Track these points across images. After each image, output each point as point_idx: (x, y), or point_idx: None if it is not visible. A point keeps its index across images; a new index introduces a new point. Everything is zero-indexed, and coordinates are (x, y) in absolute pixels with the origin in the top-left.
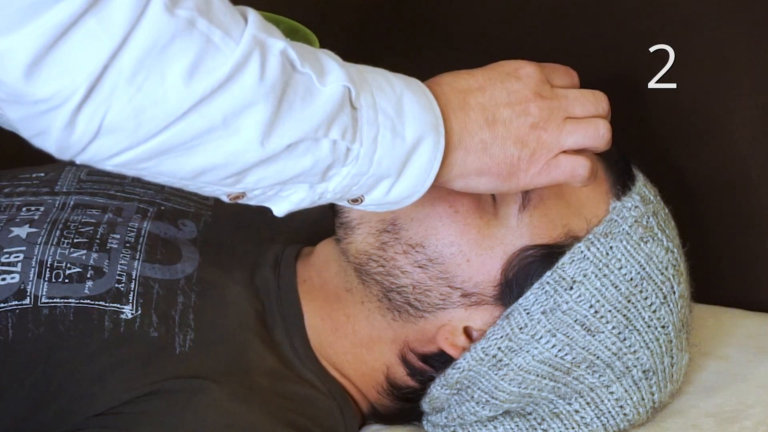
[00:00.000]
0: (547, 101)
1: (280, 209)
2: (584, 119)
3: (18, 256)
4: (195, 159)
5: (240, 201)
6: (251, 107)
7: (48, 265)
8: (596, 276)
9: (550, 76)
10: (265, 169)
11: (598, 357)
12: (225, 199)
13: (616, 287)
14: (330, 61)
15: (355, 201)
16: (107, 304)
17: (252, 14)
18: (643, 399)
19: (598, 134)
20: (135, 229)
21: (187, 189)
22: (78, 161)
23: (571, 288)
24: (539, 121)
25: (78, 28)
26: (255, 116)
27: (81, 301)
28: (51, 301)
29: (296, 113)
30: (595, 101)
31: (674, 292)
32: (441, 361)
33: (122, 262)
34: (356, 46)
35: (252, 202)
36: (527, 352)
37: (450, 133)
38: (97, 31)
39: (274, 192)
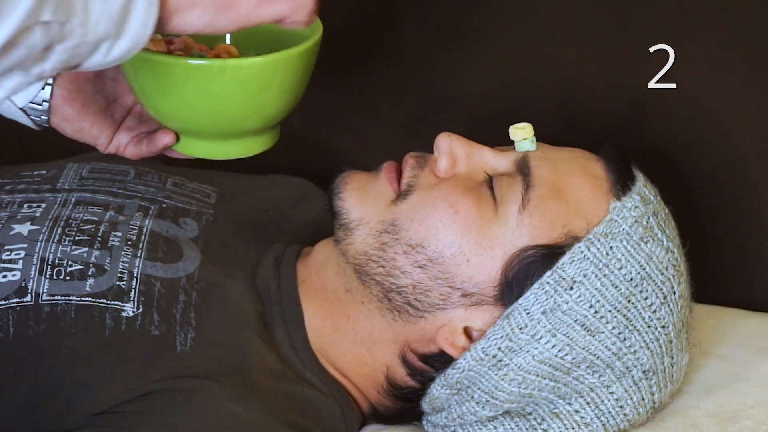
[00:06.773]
0: None
1: None
2: None
3: (19, 254)
4: None
5: None
6: None
7: (49, 263)
8: (596, 276)
9: None
10: None
11: (598, 357)
12: None
13: (616, 287)
14: None
15: (72, 68)
16: (108, 302)
17: None
18: (643, 399)
19: None
20: (137, 227)
21: None
22: None
23: (571, 288)
24: None
25: None
26: None
27: (82, 298)
28: (52, 298)
29: (4, 7)
30: None
31: (674, 292)
32: (441, 361)
33: (124, 260)
34: (357, 22)
35: None
36: (527, 352)
37: None
38: None
39: None
